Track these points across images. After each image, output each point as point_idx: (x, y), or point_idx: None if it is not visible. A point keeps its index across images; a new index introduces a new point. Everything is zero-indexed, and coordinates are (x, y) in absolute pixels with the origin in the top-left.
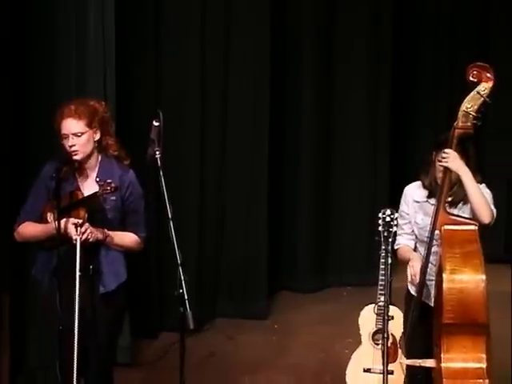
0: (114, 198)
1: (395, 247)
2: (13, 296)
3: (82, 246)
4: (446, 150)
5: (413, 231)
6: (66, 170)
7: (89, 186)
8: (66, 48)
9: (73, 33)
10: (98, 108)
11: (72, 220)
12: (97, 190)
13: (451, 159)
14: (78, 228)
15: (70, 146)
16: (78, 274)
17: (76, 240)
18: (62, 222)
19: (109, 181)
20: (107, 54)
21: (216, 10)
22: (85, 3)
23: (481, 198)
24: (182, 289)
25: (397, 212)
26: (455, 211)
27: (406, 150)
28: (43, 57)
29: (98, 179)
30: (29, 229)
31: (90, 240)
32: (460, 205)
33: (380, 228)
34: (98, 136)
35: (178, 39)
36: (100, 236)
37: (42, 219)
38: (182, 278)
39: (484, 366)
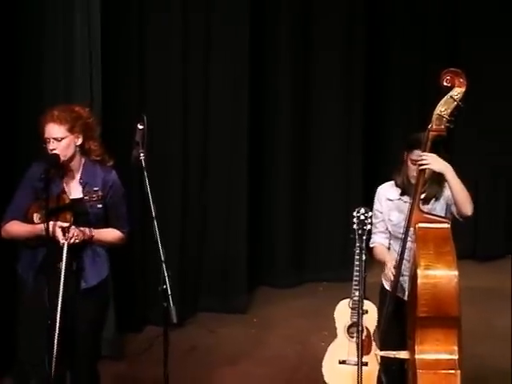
0: (100, 205)
1: (370, 245)
2: (1, 291)
3: (69, 246)
4: (424, 153)
5: (387, 229)
6: (54, 172)
7: (73, 188)
8: (53, 48)
9: (60, 32)
10: (82, 114)
11: (59, 224)
12: (80, 192)
13: (432, 161)
14: (66, 232)
15: (51, 150)
16: (63, 274)
17: (63, 244)
18: (50, 224)
19: (95, 189)
20: (93, 54)
21: (197, 12)
22: (71, 3)
23: (464, 193)
24: (166, 284)
25: (370, 211)
26: (428, 207)
27: (379, 150)
28: (31, 57)
29: (85, 186)
30: (15, 228)
31: (77, 241)
32: (432, 201)
33: (354, 226)
34: (79, 141)
35: (160, 39)
36: (86, 236)
37: (26, 219)
38: (166, 274)
39: (456, 357)
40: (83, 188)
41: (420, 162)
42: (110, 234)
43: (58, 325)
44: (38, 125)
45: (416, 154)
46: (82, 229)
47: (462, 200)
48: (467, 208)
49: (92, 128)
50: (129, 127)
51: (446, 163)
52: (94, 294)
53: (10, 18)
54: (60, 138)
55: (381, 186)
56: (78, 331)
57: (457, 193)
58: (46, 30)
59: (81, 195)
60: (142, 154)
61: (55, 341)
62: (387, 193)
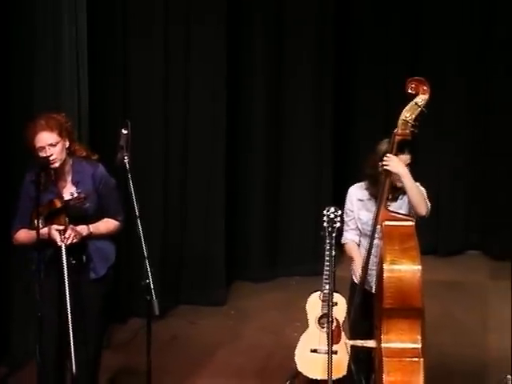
0: (87, 205)
1: (342, 242)
2: None
3: (66, 246)
4: (387, 155)
5: (357, 226)
6: (45, 178)
7: (67, 189)
8: (43, 47)
9: (49, 32)
10: (62, 120)
11: (55, 227)
12: (75, 192)
13: (392, 164)
14: (62, 234)
15: (49, 156)
16: (65, 272)
17: (61, 246)
18: (47, 229)
19: (79, 191)
20: (80, 54)
21: (177, 16)
22: (59, 4)
23: (418, 195)
24: (149, 279)
25: (340, 210)
26: (398, 203)
27: (348, 153)
28: (23, 57)
29: (76, 186)
30: (22, 235)
31: (75, 241)
32: (400, 197)
33: (325, 224)
34: (67, 144)
35: (143, 48)
36: (84, 233)
37: (31, 225)
38: (149, 269)
39: (419, 346)
40: (76, 187)
41: (384, 163)
42: (107, 225)
43: (69, 318)
44: (26, 135)
45: (384, 150)
46: (78, 229)
47: (417, 201)
48: (422, 209)
49: (72, 131)
50: (114, 124)
51: (404, 167)
52: (103, 284)
53: (2, 20)
54: (55, 143)
55: (352, 187)
56: (89, 322)
57: (412, 195)
58: (37, 29)
59: (75, 195)
60: (126, 157)
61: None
62: (357, 193)
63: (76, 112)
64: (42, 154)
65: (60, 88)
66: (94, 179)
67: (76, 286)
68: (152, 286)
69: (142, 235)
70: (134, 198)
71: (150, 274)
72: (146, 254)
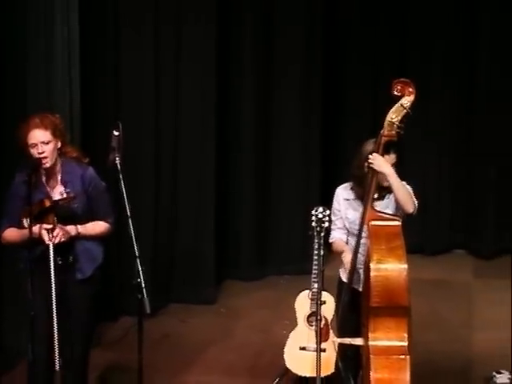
0: (76, 205)
1: (330, 240)
2: None
3: (54, 245)
4: (373, 155)
5: (345, 225)
6: (36, 178)
7: (57, 189)
8: (35, 47)
9: (41, 32)
10: (56, 120)
11: (44, 226)
12: (63, 192)
13: (378, 163)
14: (50, 233)
15: (40, 153)
16: (52, 272)
17: (49, 245)
18: (36, 228)
19: (68, 190)
20: (72, 54)
21: (167, 16)
22: (51, 4)
23: (404, 193)
24: (140, 278)
25: (328, 210)
26: (385, 201)
27: (336, 154)
28: (17, 57)
29: (65, 186)
30: (9, 234)
31: (63, 240)
32: (387, 196)
33: (313, 224)
34: (59, 144)
35: (134, 49)
36: (72, 233)
37: (20, 224)
38: (140, 268)
39: (406, 343)
40: (65, 187)
41: (369, 162)
42: (97, 227)
43: (55, 317)
44: (20, 133)
45: (370, 149)
46: (67, 228)
47: (404, 200)
48: (409, 207)
49: (65, 133)
50: (106, 124)
51: (390, 166)
52: (90, 284)
53: None
54: (47, 142)
55: (339, 187)
56: (76, 321)
57: (399, 193)
58: (30, 29)
59: (64, 195)
60: (117, 158)
61: (54, 330)
62: (344, 193)
63: (68, 112)
64: (34, 151)
65: (52, 88)
66: (84, 181)
67: (63, 285)
68: (143, 285)
69: (133, 235)
70: (125, 198)
71: (141, 273)
72: (137, 254)
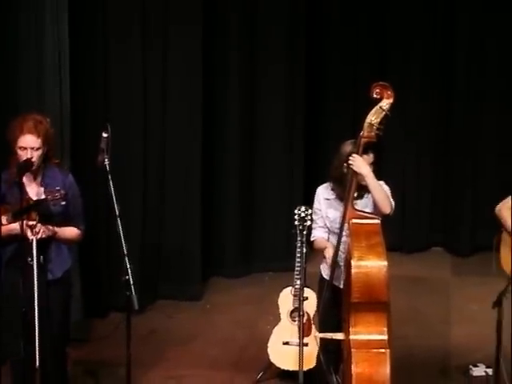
0: (63, 203)
1: (312, 239)
2: None
3: (37, 241)
4: (353, 156)
5: (325, 224)
6: (18, 178)
7: (34, 190)
8: (27, 47)
9: (32, 32)
10: (47, 125)
11: (28, 222)
12: (42, 193)
13: (357, 164)
14: (33, 229)
15: (29, 158)
16: (35, 266)
17: (32, 240)
18: (16, 224)
19: (57, 188)
20: (62, 54)
21: (155, 18)
22: (42, 4)
23: (381, 194)
24: (128, 275)
25: (310, 209)
26: (364, 201)
27: (318, 155)
28: (8, 57)
29: (46, 188)
30: None
31: (44, 236)
32: (366, 195)
33: (296, 222)
34: (45, 150)
35: (122, 41)
36: (50, 233)
37: None
38: (128, 266)
39: (385, 338)
40: (44, 190)
41: (349, 163)
42: (70, 232)
43: (36, 313)
44: (12, 131)
45: (349, 149)
46: (46, 226)
47: (381, 200)
48: (385, 207)
49: (53, 137)
50: (95, 122)
51: (368, 167)
52: (59, 285)
53: None
54: (36, 148)
55: (319, 187)
56: (49, 319)
57: (375, 194)
58: (20, 29)
59: (42, 196)
60: (106, 159)
61: (36, 326)
62: (324, 193)
63: (58, 114)
64: (22, 154)
65: (43, 90)
66: (64, 186)
67: (38, 284)
68: (131, 282)
69: (121, 234)
70: (114, 198)
71: (129, 270)
72: (125, 252)
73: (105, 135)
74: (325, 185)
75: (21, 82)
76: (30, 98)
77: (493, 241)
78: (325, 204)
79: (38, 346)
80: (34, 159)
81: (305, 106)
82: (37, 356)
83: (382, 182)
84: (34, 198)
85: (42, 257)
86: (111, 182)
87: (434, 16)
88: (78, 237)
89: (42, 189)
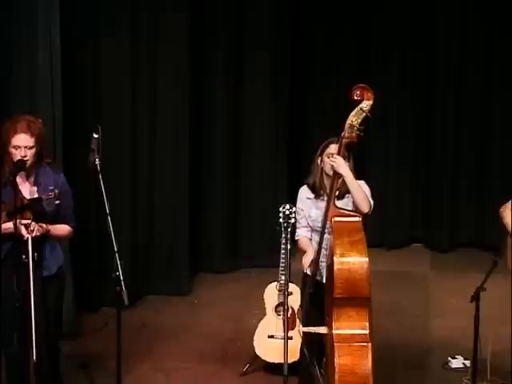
0: (57, 201)
1: (296, 238)
2: None
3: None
4: (334, 156)
5: (308, 223)
6: (10, 177)
7: (27, 189)
8: (19, 49)
9: (24, 34)
10: (39, 125)
11: (22, 221)
12: (35, 192)
13: (338, 164)
14: (28, 228)
15: (23, 157)
16: (30, 263)
17: (27, 238)
18: (10, 223)
19: (51, 188)
20: (53, 55)
21: (143, 18)
22: (34, 5)
23: (360, 194)
24: (118, 271)
25: (294, 207)
26: (345, 200)
27: (301, 154)
28: (0, 57)
29: (38, 186)
30: None
31: (39, 234)
32: (346, 195)
33: (280, 220)
34: (38, 149)
35: (112, 58)
36: (44, 230)
37: None
38: (118, 262)
39: (367, 331)
40: (37, 189)
41: (330, 163)
42: (62, 229)
43: (33, 309)
44: (5, 130)
45: (332, 148)
46: (40, 224)
47: (360, 200)
48: (364, 207)
49: (45, 137)
50: (85, 124)
51: (347, 168)
52: (55, 280)
53: None
54: (30, 147)
55: (302, 187)
56: (43, 313)
57: (354, 193)
58: (13, 31)
59: (35, 195)
60: (97, 159)
61: (32, 321)
62: (307, 193)
63: (51, 114)
64: (16, 153)
65: (35, 90)
66: (56, 185)
67: (29, 281)
68: (121, 278)
69: (111, 231)
70: (104, 196)
71: (119, 266)
72: (115, 249)
73: (95, 136)
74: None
75: (13, 84)
76: (22, 100)
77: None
78: (307, 203)
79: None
80: (27, 158)
81: (289, 106)
82: (34, 350)
83: (362, 182)
84: (28, 197)
85: (36, 254)
86: (102, 181)
87: (413, 24)
88: (70, 234)
89: (35, 188)
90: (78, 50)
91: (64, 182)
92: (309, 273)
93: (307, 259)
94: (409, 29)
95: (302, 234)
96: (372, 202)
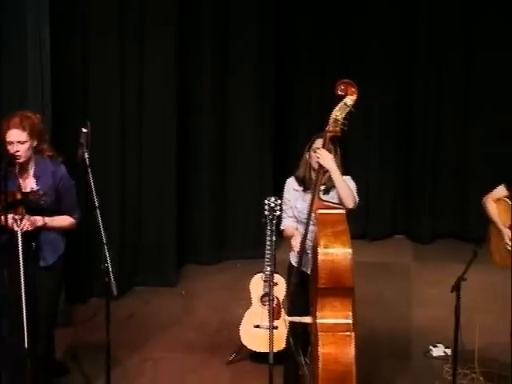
0: (43, 201)
1: (282, 227)
2: None
3: (26, 231)
4: (319, 150)
5: (294, 214)
6: (10, 170)
7: (29, 182)
8: (9, 48)
9: (14, 33)
10: (36, 120)
11: (13, 216)
12: (33, 185)
13: (323, 158)
14: (19, 222)
15: (16, 151)
16: (20, 257)
17: (17, 232)
18: (3, 217)
19: (38, 187)
20: (43, 54)
21: (131, 17)
22: (23, 6)
23: (346, 189)
24: (107, 263)
25: (279, 199)
26: (331, 195)
27: (286, 150)
28: None
29: (37, 179)
30: None
31: (30, 229)
32: (332, 189)
33: (266, 212)
34: (35, 143)
35: (101, 54)
36: (39, 223)
37: None
38: (107, 254)
39: (351, 321)
40: (36, 181)
41: (316, 156)
42: (63, 221)
43: (23, 299)
44: (1, 128)
45: (317, 142)
46: (33, 218)
47: (345, 195)
48: (348, 202)
49: (44, 132)
50: (75, 122)
51: (333, 162)
52: (51, 271)
53: None
54: (23, 142)
55: (289, 179)
56: (39, 304)
57: (340, 188)
58: (3, 30)
59: (35, 187)
60: (85, 154)
61: (23, 313)
62: (294, 184)
63: (40, 110)
64: (10, 148)
65: (26, 87)
66: (55, 177)
67: (27, 272)
68: (110, 270)
69: (100, 223)
70: (93, 189)
71: (108, 258)
72: (104, 241)
73: (84, 131)
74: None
75: (3, 83)
76: (12, 99)
77: (486, 231)
78: (294, 195)
79: (27, 330)
80: (19, 153)
81: (274, 107)
82: (25, 338)
83: (348, 178)
84: (28, 190)
85: (33, 244)
86: (90, 175)
87: (395, 15)
88: (72, 225)
89: (34, 180)
90: (67, 50)
91: (64, 174)
92: (294, 263)
93: (296, 241)
94: (391, 29)
95: (288, 223)
96: (357, 199)
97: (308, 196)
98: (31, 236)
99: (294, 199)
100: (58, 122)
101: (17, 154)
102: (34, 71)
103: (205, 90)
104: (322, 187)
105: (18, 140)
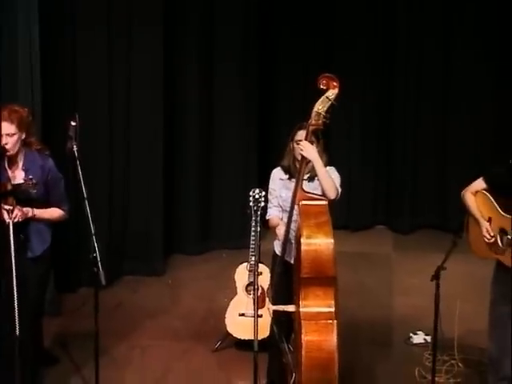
0: (35, 190)
1: (267, 217)
2: None
3: (15, 223)
4: (302, 142)
5: (279, 203)
6: None
7: (17, 174)
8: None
9: (5, 32)
10: (24, 114)
11: (4, 206)
12: (21, 177)
13: (306, 150)
14: (10, 213)
15: (5, 144)
16: (12, 246)
17: (9, 223)
18: None
19: (30, 177)
20: (33, 54)
21: (119, 17)
22: (14, 6)
23: (328, 180)
24: (96, 253)
25: (264, 191)
26: (316, 183)
27: (271, 141)
28: None
29: (26, 172)
30: None
31: (20, 220)
32: (316, 178)
33: (251, 203)
34: (23, 136)
35: (89, 51)
36: (29, 215)
37: None
38: (96, 244)
39: (333, 310)
40: (25, 173)
41: (299, 147)
42: (52, 213)
43: (15, 290)
44: None
45: (299, 134)
46: (24, 209)
47: (327, 186)
48: (331, 193)
49: (32, 125)
50: (64, 116)
51: (316, 153)
52: (39, 262)
53: None
54: (11, 134)
55: (275, 169)
56: (27, 294)
57: (322, 179)
58: None
59: (21, 181)
60: (74, 146)
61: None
62: (280, 174)
63: (30, 104)
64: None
65: (16, 82)
66: (43, 170)
67: (15, 263)
68: (99, 259)
69: (89, 214)
70: (81, 181)
71: (96, 248)
72: (93, 231)
73: (73, 123)
74: (280, 167)
75: None
76: (2, 99)
77: (462, 222)
78: (279, 184)
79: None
80: (8, 145)
81: (259, 107)
82: (16, 327)
83: (333, 169)
84: (18, 183)
85: (21, 236)
86: (79, 167)
87: (376, 16)
88: (62, 217)
89: (23, 173)
90: (57, 50)
91: (52, 167)
92: (278, 253)
93: (281, 230)
94: (372, 30)
95: (273, 213)
96: (340, 190)
97: (293, 184)
98: (20, 227)
99: (278, 188)
100: (47, 121)
101: (6, 146)
102: (24, 71)
103: (191, 89)
104: (307, 175)
105: (7, 133)
